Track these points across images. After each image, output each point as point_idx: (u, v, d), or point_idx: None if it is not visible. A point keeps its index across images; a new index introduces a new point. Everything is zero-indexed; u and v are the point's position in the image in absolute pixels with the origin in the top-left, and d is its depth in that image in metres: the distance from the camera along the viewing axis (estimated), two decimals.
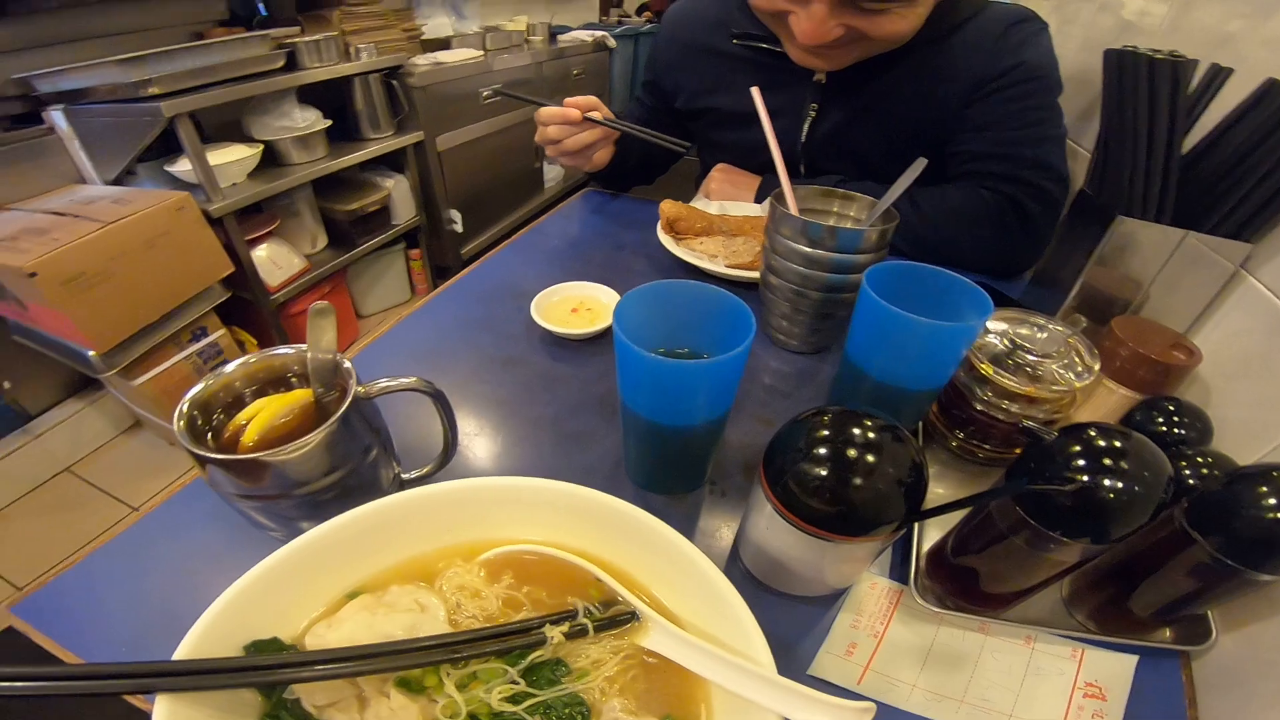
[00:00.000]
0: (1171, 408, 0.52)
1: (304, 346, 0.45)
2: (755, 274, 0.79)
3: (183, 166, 1.70)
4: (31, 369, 1.77)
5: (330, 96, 2.06)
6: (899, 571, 0.51)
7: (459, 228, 2.64)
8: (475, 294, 0.85)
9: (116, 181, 1.73)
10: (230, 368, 0.45)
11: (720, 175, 1.05)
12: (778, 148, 0.71)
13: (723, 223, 0.90)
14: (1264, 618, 0.44)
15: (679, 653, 0.34)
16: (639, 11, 4.92)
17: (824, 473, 0.38)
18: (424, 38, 2.64)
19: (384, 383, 0.45)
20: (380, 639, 0.33)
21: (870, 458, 0.37)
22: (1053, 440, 0.40)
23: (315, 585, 0.37)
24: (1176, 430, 0.51)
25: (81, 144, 1.69)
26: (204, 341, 1.74)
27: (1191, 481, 0.43)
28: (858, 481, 0.37)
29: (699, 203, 1.01)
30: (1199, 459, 0.44)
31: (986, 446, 0.59)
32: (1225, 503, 0.39)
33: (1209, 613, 0.47)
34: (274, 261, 1.91)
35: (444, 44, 2.70)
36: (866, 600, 0.49)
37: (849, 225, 0.71)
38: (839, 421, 0.40)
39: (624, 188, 1.18)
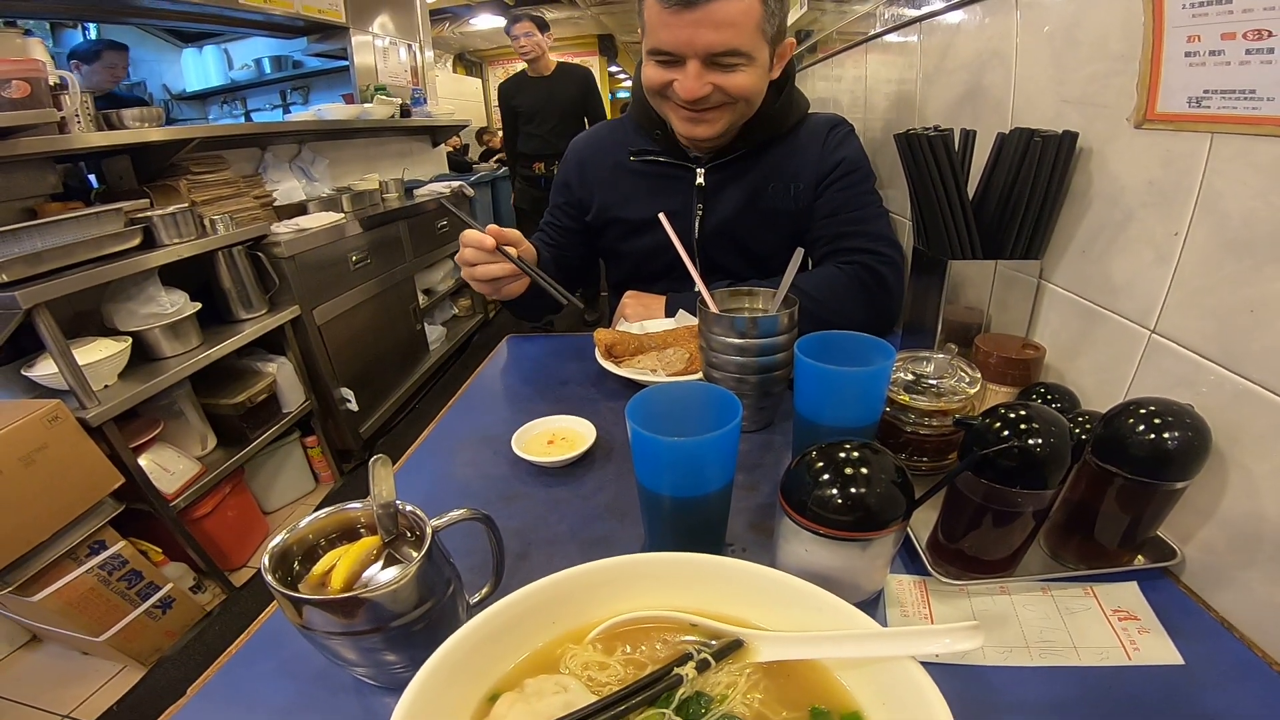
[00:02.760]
0: (1043, 389, 0.69)
1: (369, 500, 0.50)
2: (693, 377, 0.92)
3: (45, 369, 1.55)
4: None
5: (192, 276, 1.94)
6: (912, 568, 0.62)
7: (354, 406, 2.55)
8: (446, 449, 0.89)
9: None
10: (304, 523, 0.49)
11: (632, 301, 1.20)
12: (692, 265, 0.86)
13: (650, 340, 1.03)
14: (1205, 524, 0.57)
15: (793, 651, 0.41)
16: (483, 158, 5.24)
17: (838, 490, 0.48)
18: (277, 204, 2.60)
19: (444, 518, 0.50)
20: None
21: (865, 470, 0.49)
22: (981, 422, 0.54)
23: (459, 695, 0.40)
24: (1054, 405, 0.67)
25: None
26: (104, 555, 1.58)
27: (1084, 436, 0.57)
28: (865, 489, 0.48)
29: (620, 326, 1.14)
30: (1080, 418, 0.60)
31: (925, 460, 0.73)
32: (1114, 438, 0.53)
33: (1160, 535, 0.60)
34: (164, 468, 1.78)
35: (299, 209, 2.63)
36: (901, 594, 0.58)
37: (761, 315, 0.85)
38: (830, 452, 0.51)
39: (536, 317, 1.27)
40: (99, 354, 1.65)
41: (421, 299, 3.31)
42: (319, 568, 0.48)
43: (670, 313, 1.15)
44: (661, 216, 0.90)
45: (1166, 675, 0.49)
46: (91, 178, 2.20)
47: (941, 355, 0.73)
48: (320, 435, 2.46)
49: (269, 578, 0.44)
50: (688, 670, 0.41)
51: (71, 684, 1.73)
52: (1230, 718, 0.46)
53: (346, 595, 0.43)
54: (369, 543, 0.49)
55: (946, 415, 0.70)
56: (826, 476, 0.49)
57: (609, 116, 3.56)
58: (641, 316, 1.15)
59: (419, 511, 0.49)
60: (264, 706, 0.51)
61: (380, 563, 0.49)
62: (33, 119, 1.59)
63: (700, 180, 1.13)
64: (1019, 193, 0.77)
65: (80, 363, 1.56)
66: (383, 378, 2.90)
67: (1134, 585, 0.58)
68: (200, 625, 1.86)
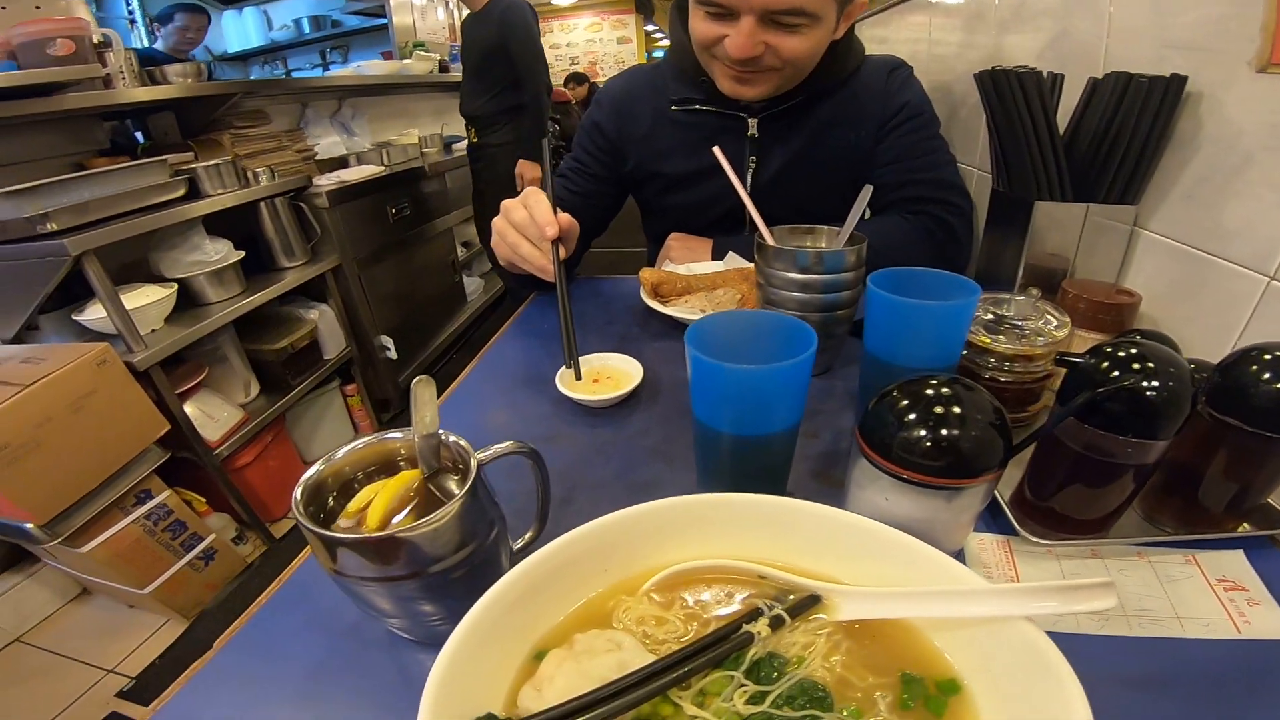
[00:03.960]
0: (1138, 336, 0.62)
1: (410, 430, 0.45)
2: None
3: (94, 314, 1.58)
4: None
5: (236, 226, 1.99)
6: (993, 525, 0.56)
7: (393, 354, 2.57)
8: (488, 389, 0.86)
9: (16, 339, 1.57)
10: (340, 454, 0.45)
11: (677, 244, 1.14)
12: (747, 195, 0.80)
13: (698, 281, 0.97)
14: None
15: (881, 609, 0.36)
16: None
17: (927, 431, 0.42)
18: (318, 158, 2.66)
19: (489, 451, 0.45)
20: (598, 684, 0.33)
21: (959, 409, 0.43)
22: (1088, 361, 0.48)
23: (502, 652, 0.36)
24: None
25: None
26: (150, 504, 1.60)
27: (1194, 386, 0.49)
28: (959, 430, 0.42)
29: (666, 268, 1.08)
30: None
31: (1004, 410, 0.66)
32: (1235, 387, 0.46)
33: (1270, 502, 0.53)
34: (209, 415, 1.79)
35: (340, 163, 2.71)
36: (983, 554, 0.53)
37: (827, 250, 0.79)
38: (916, 389, 0.45)
39: (521, 292, 1.17)
40: (146, 299, 1.67)
41: (460, 251, 3.35)
42: (353, 504, 0.44)
43: (718, 255, 1.08)
44: (716, 150, 0.82)
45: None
46: (138, 135, 2.26)
47: (1023, 298, 0.67)
48: (360, 383, 2.50)
49: (299, 513, 0.40)
50: (760, 628, 0.36)
51: (117, 637, 1.76)
52: None
53: (382, 535, 0.39)
54: (408, 477, 0.45)
55: (1031, 360, 0.63)
56: (914, 416, 0.43)
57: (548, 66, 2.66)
58: (687, 259, 1.10)
59: (463, 443, 0.44)
60: (293, 661, 0.48)
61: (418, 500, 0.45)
62: (77, 74, 1.65)
63: (753, 130, 1.05)
64: (1114, 137, 0.73)
65: (128, 307, 1.58)
66: (422, 327, 2.94)
67: (1240, 554, 0.51)
68: (241, 578, 1.88)
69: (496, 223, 0.88)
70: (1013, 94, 0.78)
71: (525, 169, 2.61)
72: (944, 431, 0.42)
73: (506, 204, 0.87)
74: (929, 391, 0.44)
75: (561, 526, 0.57)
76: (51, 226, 1.41)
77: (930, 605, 0.35)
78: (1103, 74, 0.74)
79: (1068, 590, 0.32)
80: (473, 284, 3.50)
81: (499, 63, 2.51)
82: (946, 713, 0.33)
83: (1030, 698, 0.31)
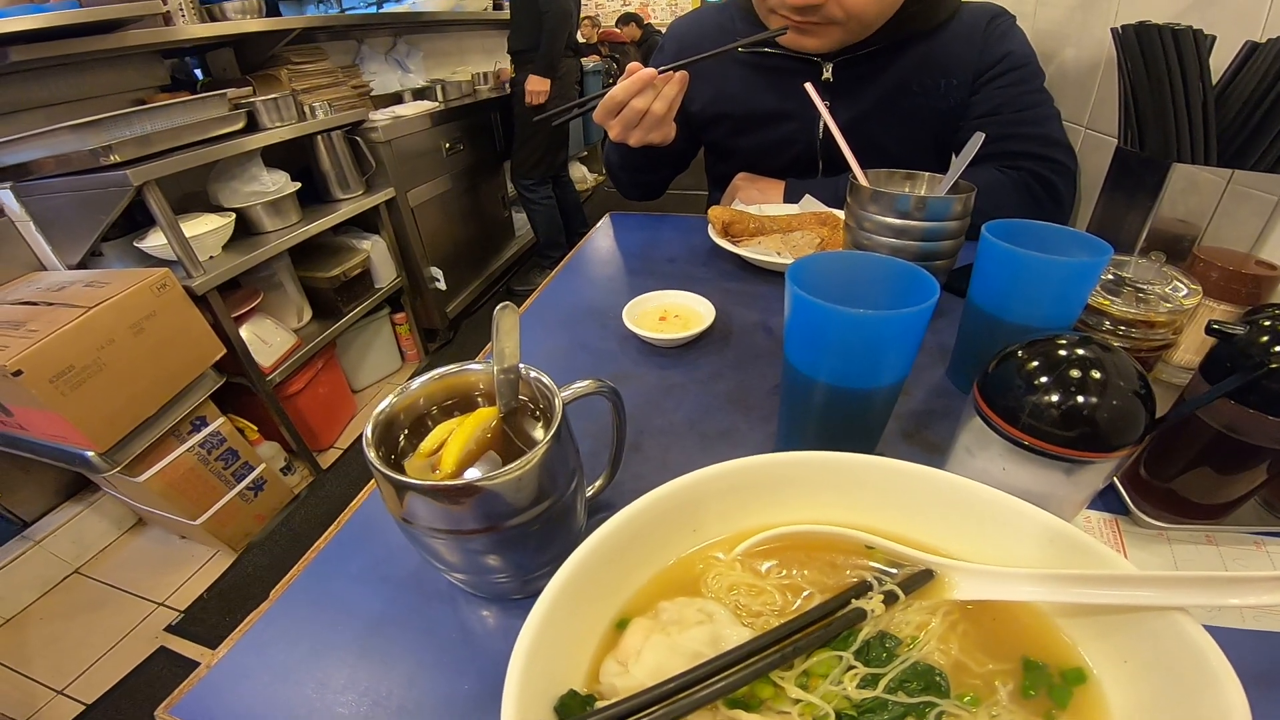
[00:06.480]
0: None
1: (489, 362, 0.42)
2: None
3: (155, 241, 1.62)
4: (17, 476, 1.66)
5: (293, 158, 2.01)
6: (1098, 503, 0.51)
7: (442, 285, 2.62)
8: (552, 321, 0.83)
9: (81, 265, 1.60)
10: (415, 385, 0.42)
11: (745, 183, 1.08)
12: (839, 132, 0.74)
13: (772, 222, 0.92)
14: None
15: (1008, 590, 0.32)
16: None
17: (1061, 396, 0.38)
18: (373, 94, 2.67)
19: (570, 390, 0.41)
20: (692, 660, 0.30)
21: (1098, 374, 0.38)
22: (1245, 333, 0.42)
23: (584, 620, 0.33)
24: None
25: (37, 225, 1.54)
26: (205, 431, 1.63)
27: None
28: (1099, 397, 0.37)
29: (735, 207, 1.02)
30: None
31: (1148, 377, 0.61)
32: None
33: None
34: (263, 339, 1.81)
35: (395, 99, 2.75)
36: (1090, 534, 0.49)
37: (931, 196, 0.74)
38: (1046, 350, 0.40)
39: (663, 182, 1.19)
40: (204, 227, 1.69)
41: (510, 188, 3.36)
42: (426, 444, 0.41)
43: (791, 198, 1.02)
44: (809, 86, 0.77)
45: None
46: (197, 71, 2.28)
47: (1146, 260, 0.61)
48: (409, 312, 2.56)
49: (371, 454, 0.36)
50: (873, 604, 0.32)
51: (169, 569, 1.78)
52: None
53: (460, 483, 0.35)
54: (485, 415, 0.42)
55: (1152, 327, 0.58)
56: (1046, 378, 0.39)
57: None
58: (757, 200, 1.03)
59: (546, 379, 0.40)
60: (352, 613, 0.45)
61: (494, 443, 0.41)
62: (138, 11, 1.64)
63: (828, 75, 0.97)
64: (1274, 103, 0.66)
65: (187, 235, 1.60)
66: (470, 260, 3.01)
67: None
68: (288, 509, 1.91)
69: (612, 122, 0.90)
70: (1162, 50, 0.71)
71: (534, 83, 2.65)
72: (1081, 398, 0.38)
73: (613, 92, 0.87)
74: (1062, 352, 0.40)
75: (629, 474, 0.56)
76: (115, 158, 1.43)
77: (1068, 590, 0.31)
78: (1263, 38, 0.67)
79: (1234, 582, 0.28)
80: (521, 220, 3.50)
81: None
82: (1071, 704, 0.30)
83: (1175, 697, 0.28)
